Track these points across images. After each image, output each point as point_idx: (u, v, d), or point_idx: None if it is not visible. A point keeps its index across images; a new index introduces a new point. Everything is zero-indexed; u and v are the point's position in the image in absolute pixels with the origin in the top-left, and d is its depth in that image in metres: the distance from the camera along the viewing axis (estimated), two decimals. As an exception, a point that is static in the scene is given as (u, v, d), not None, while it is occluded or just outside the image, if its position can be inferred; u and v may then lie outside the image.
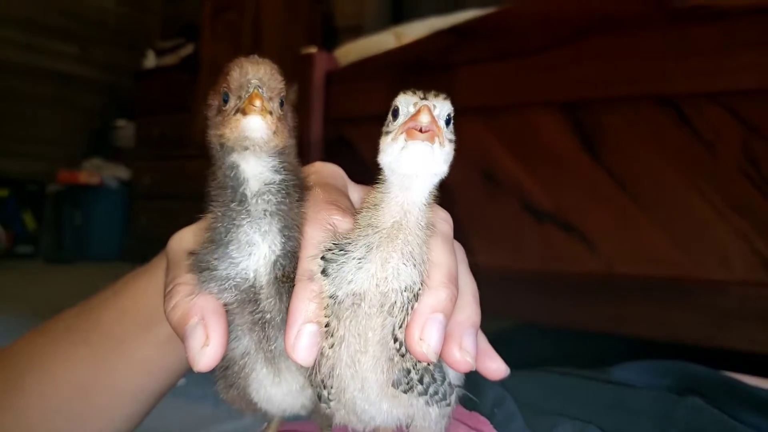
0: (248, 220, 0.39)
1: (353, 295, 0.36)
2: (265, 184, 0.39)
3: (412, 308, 0.36)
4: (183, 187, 4.17)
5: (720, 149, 1.04)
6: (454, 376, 0.41)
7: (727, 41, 1.04)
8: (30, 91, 4.74)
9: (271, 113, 0.37)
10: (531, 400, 0.59)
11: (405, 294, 0.36)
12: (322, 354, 0.37)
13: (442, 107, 0.37)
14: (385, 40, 1.87)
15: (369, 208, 0.38)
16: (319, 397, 0.39)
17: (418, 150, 0.35)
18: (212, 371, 0.41)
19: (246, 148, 0.38)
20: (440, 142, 0.36)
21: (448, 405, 0.40)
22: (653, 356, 0.64)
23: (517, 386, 0.58)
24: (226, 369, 0.42)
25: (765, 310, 0.97)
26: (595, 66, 1.17)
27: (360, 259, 0.36)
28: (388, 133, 0.36)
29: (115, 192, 4.64)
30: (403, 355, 0.37)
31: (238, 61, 0.39)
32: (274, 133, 0.37)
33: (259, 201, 0.39)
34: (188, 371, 0.61)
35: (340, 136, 1.52)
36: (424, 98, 0.36)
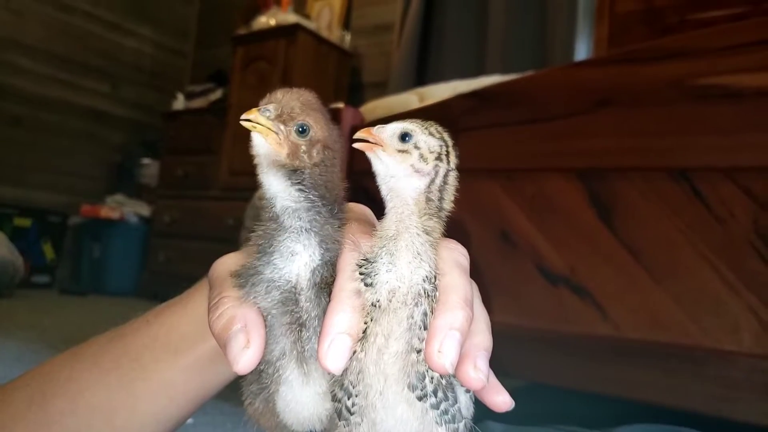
0: (286, 235, 0.44)
1: (389, 292, 0.42)
2: (293, 202, 0.44)
3: (435, 297, 0.42)
4: (202, 227, 4.25)
5: (732, 225, 1.06)
6: (464, 406, 0.43)
7: (740, 120, 1.08)
8: (60, 124, 4.89)
9: (277, 133, 0.43)
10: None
11: (426, 283, 0.42)
12: (352, 359, 0.41)
13: (389, 128, 0.46)
14: (409, 100, 1.94)
15: (381, 223, 0.46)
16: (339, 413, 0.42)
17: (371, 158, 0.46)
18: (243, 379, 0.47)
19: (259, 163, 0.44)
20: (384, 151, 0.45)
21: (456, 431, 0.43)
22: (658, 421, 0.65)
23: (525, 442, 0.60)
24: (260, 372, 0.46)
25: (770, 384, 0.98)
26: (612, 137, 1.21)
27: (387, 263, 0.42)
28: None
29: (135, 228, 4.71)
30: (419, 352, 0.41)
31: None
32: (289, 154, 0.43)
33: (290, 218, 0.44)
34: (205, 402, 0.64)
35: (362, 187, 1.56)
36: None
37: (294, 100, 0.44)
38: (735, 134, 1.08)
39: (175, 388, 0.60)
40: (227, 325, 0.43)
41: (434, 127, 0.47)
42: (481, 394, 0.45)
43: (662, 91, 1.17)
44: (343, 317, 0.41)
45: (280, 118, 0.43)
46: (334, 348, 0.40)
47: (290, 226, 0.44)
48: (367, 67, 4.55)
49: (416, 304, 0.41)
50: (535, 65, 3.14)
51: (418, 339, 0.41)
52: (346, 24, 4.54)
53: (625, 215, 1.18)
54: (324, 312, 0.42)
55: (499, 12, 3.70)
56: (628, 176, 1.18)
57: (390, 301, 0.41)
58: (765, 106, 1.06)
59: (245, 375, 0.46)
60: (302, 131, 0.44)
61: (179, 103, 4.91)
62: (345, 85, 4.41)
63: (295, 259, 0.44)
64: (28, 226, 4.46)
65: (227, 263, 0.50)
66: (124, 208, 4.70)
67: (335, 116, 1.62)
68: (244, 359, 0.41)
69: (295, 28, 3.99)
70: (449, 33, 3.97)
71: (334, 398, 0.43)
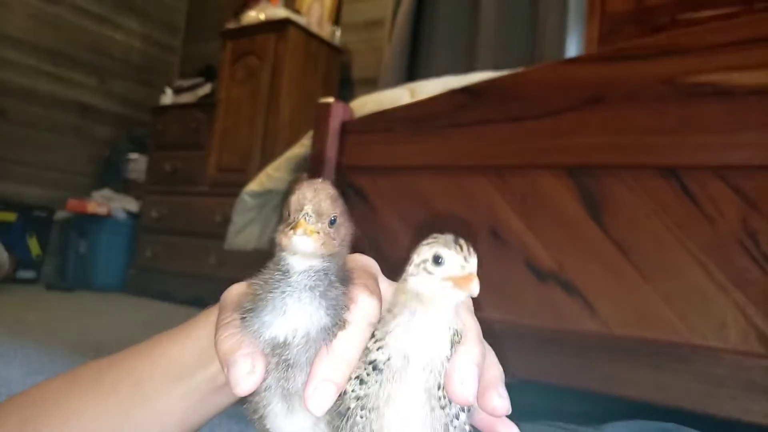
0: (289, 290, 0.46)
1: (402, 357, 0.42)
2: (309, 267, 0.46)
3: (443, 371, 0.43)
4: (190, 223, 4.23)
5: (720, 223, 1.07)
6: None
7: (731, 118, 1.08)
8: (47, 118, 4.84)
9: (318, 233, 0.45)
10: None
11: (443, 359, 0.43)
12: (356, 418, 0.42)
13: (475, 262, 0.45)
14: (400, 95, 1.93)
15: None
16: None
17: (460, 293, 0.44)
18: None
19: (295, 254, 0.46)
20: None
21: None
22: (645, 418, 0.65)
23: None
24: (253, 395, 0.48)
25: (757, 381, 0.98)
26: (603, 134, 1.21)
27: (405, 325, 0.43)
28: (428, 272, 0.44)
29: (122, 224, 4.67)
30: (443, 408, 0.42)
31: (300, 185, 0.47)
32: (322, 245, 0.45)
33: (300, 277, 0.46)
34: (199, 429, 0.63)
35: (352, 183, 1.56)
36: (466, 260, 0.44)
37: (324, 197, 0.46)
38: (725, 133, 1.08)
39: (172, 416, 0.60)
40: (234, 347, 0.45)
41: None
42: (491, 428, 0.48)
43: (653, 88, 1.17)
44: (333, 366, 0.42)
45: (320, 218, 0.46)
46: (318, 394, 0.41)
47: (297, 283, 0.46)
48: (358, 63, 4.54)
49: (431, 371, 0.42)
50: (525, 63, 3.15)
51: (439, 397, 0.42)
52: (336, 19, 4.53)
53: (615, 212, 1.18)
54: (314, 355, 0.44)
55: (491, 9, 3.70)
56: (619, 173, 1.18)
57: (407, 365, 0.42)
58: (755, 104, 1.06)
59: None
60: (332, 223, 0.47)
61: (167, 97, 4.87)
62: (335, 81, 4.39)
63: (289, 319, 0.45)
64: (12, 221, 4.41)
65: (241, 289, 0.50)
66: (111, 204, 4.66)
67: (324, 111, 1.61)
68: (246, 384, 0.43)
69: (285, 23, 3.97)
70: (440, 29, 3.97)
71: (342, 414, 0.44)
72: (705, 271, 1.07)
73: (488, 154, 1.36)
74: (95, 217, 4.57)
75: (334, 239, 0.46)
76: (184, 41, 5.88)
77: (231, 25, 4.34)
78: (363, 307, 0.45)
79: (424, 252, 0.45)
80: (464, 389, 0.41)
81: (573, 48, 3.43)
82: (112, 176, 5.10)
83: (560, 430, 0.61)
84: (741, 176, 1.06)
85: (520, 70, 1.49)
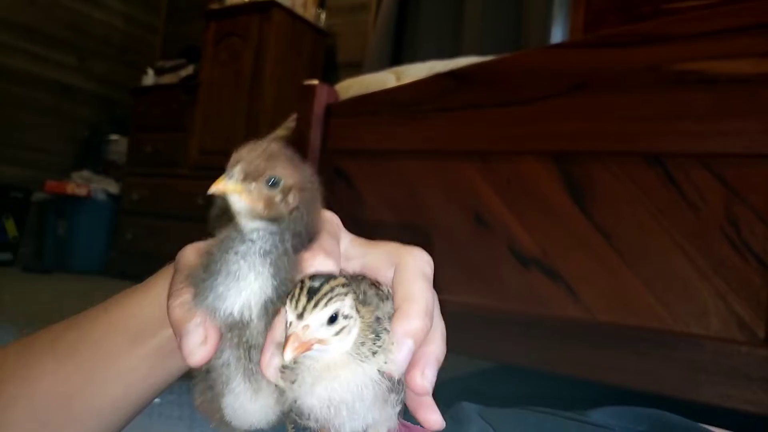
0: (244, 254, 0.42)
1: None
2: (261, 231, 0.43)
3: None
4: (171, 205, 4.18)
5: (704, 210, 1.07)
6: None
7: (715, 106, 1.08)
8: (26, 97, 4.74)
9: (250, 192, 0.42)
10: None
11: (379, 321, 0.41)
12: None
13: (316, 319, 0.37)
14: (386, 79, 1.91)
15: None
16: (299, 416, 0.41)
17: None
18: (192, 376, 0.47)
19: (239, 215, 0.43)
20: (312, 347, 0.37)
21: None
22: (629, 403, 0.65)
23: (499, 423, 0.60)
24: (207, 372, 0.46)
25: (737, 367, 1.00)
26: (588, 120, 1.21)
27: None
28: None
29: (102, 205, 4.61)
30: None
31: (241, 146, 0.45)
32: (265, 207, 0.42)
33: (254, 240, 0.43)
34: (165, 389, 0.62)
35: (336, 167, 1.54)
36: (301, 315, 0.36)
37: (257, 156, 0.43)
38: (709, 120, 1.09)
39: (135, 375, 0.58)
40: (188, 315, 0.43)
41: None
42: (415, 409, 0.45)
43: (638, 75, 1.17)
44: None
45: (248, 178, 0.43)
46: (275, 361, 0.40)
47: (252, 248, 0.43)
48: (343, 47, 4.50)
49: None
50: (511, 50, 3.14)
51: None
52: (321, 2, 4.47)
53: (599, 199, 1.18)
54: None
55: (477, -5, 3.69)
56: (603, 160, 1.18)
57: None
58: (738, 93, 1.07)
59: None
60: (273, 184, 0.43)
61: (149, 78, 4.80)
62: (319, 64, 4.35)
63: (244, 288, 0.42)
64: (-12, 202, 4.34)
65: (198, 248, 0.48)
66: (91, 185, 4.60)
67: (309, 93, 1.60)
68: (201, 353, 0.42)
69: (270, 4, 3.92)
70: (426, 13, 3.94)
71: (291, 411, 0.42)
72: (687, 258, 1.08)
73: (473, 139, 1.35)
74: (74, 198, 4.50)
75: (280, 201, 0.43)
76: (166, 21, 5.78)
77: (214, 5, 4.28)
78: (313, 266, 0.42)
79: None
80: (395, 363, 0.40)
81: (558, 36, 3.43)
82: (92, 158, 5.02)
83: (544, 415, 0.62)
84: (724, 164, 1.07)
85: (506, 55, 1.48)
